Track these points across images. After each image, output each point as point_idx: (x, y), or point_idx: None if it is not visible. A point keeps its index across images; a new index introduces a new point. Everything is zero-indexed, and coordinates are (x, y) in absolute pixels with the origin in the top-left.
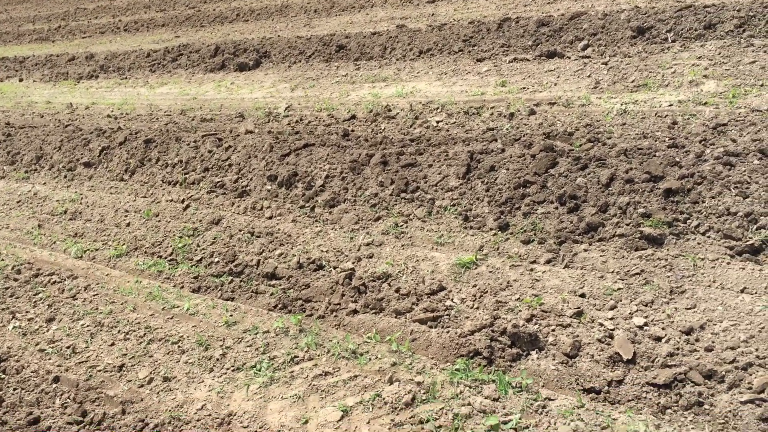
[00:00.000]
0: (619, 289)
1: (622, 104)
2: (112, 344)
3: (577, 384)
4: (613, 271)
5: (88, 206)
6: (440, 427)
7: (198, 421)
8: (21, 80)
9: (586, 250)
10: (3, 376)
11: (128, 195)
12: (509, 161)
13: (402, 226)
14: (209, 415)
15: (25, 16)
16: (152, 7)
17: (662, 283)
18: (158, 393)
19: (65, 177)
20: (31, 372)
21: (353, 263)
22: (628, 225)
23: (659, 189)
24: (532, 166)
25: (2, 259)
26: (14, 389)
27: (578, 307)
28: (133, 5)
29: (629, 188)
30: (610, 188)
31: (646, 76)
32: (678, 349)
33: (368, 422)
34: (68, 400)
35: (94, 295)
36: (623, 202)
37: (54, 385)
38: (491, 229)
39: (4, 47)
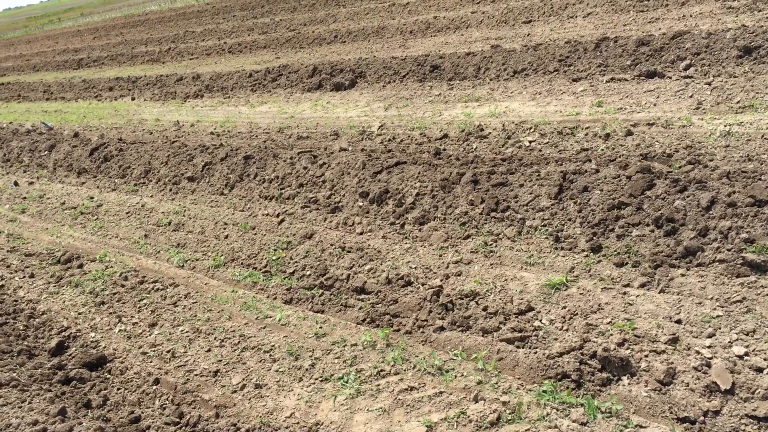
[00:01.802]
0: (718, 316)
1: (725, 126)
2: (209, 350)
3: (671, 412)
4: (712, 298)
5: (190, 218)
6: None
7: (287, 428)
8: (133, 99)
9: (683, 275)
10: (108, 376)
11: (227, 208)
12: (603, 182)
13: (491, 245)
14: (297, 423)
15: (139, 39)
16: (255, 30)
17: (765, 311)
18: (250, 399)
19: (170, 190)
20: (134, 373)
21: (441, 280)
22: (729, 250)
23: (764, 214)
24: (628, 187)
25: (111, 266)
26: (118, 389)
27: (674, 334)
28: (238, 28)
29: (731, 212)
30: (710, 212)
31: (752, 97)
32: None
33: None
34: (167, 401)
35: (193, 303)
36: (725, 227)
37: (154, 387)
38: (583, 250)
39: (119, 68)
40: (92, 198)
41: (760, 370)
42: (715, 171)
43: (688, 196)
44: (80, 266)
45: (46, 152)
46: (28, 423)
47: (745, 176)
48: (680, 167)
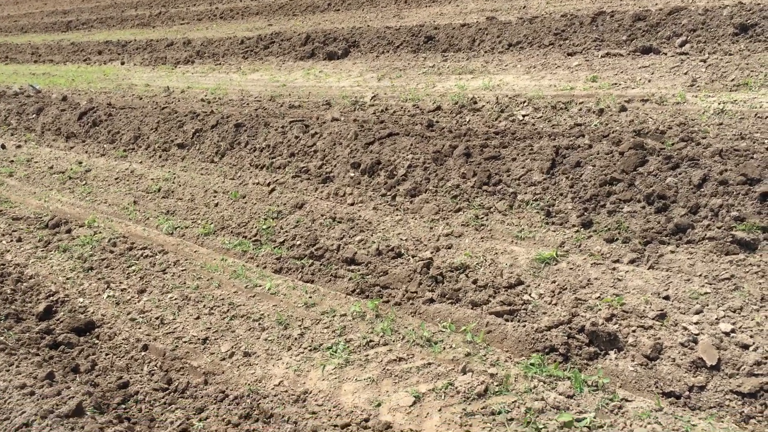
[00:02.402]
0: (706, 293)
1: (719, 103)
2: (198, 318)
3: (656, 387)
4: (700, 275)
5: (180, 185)
6: (512, 419)
7: (275, 396)
8: (123, 63)
9: (672, 252)
10: (97, 341)
11: (217, 176)
12: (596, 158)
13: (482, 218)
14: (286, 391)
15: (129, 2)
16: None
17: (753, 289)
18: (239, 367)
19: (160, 157)
20: (122, 339)
21: (432, 253)
22: (719, 228)
23: (755, 192)
24: (620, 163)
25: (100, 232)
26: (106, 354)
27: (661, 310)
28: None
29: (723, 190)
30: (702, 189)
31: (747, 75)
32: (767, 358)
33: (440, 410)
34: (155, 367)
35: (182, 270)
36: (715, 205)
37: (143, 353)
38: (574, 225)
39: (108, 31)
40: (81, 163)
41: (746, 347)
42: (707, 149)
43: (680, 174)
44: (68, 231)
45: (34, 115)
46: (15, 386)
47: (738, 154)
48: (673, 144)
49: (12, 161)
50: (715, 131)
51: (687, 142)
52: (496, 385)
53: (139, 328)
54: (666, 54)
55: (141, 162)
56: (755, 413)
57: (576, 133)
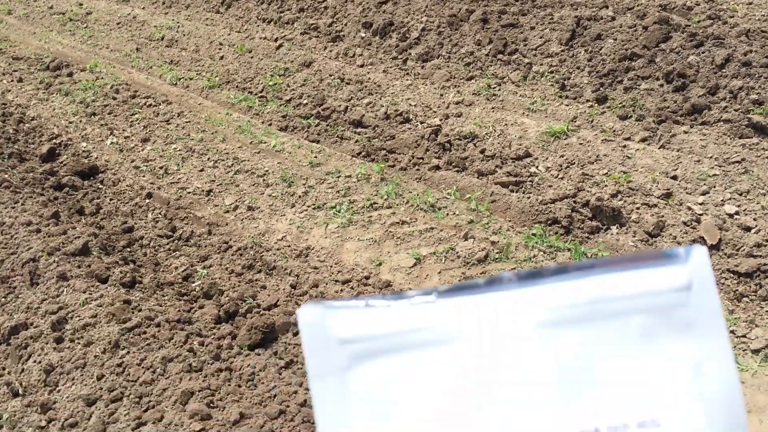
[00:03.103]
0: (714, 175)
1: None
2: (202, 170)
3: None
4: (711, 157)
5: (184, 35)
6: None
7: (278, 250)
8: None
9: (686, 132)
10: (101, 186)
11: (223, 28)
12: (618, 31)
13: (494, 88)
14: (288, 246)
15: None
16: None
17: (762, 174)
18: (242, 220)
19: (163, 3)
20: (127, 186)
21: (441, 120)
22: (736, 111)
23: None
24: (643, 38)
25: (102, 78)
26: (110, 199)
27: (668, 189)
28: None
29: (745, 72)
30: (723, 70)
31: None
32: (767, 241)
33: (439, 272)
34: (159, 215)
35: (186, 122)
36: (735, 86)
37: (147, 201)
38: (588, 100)
39: None
40: (81, 4)
41: (748, 229)
42: (734, 28)
43: (703, 52)
44: (70, 75)
45: None
46: (21, 223)
47: (764, 36)
48: (699, 21)
49: None
50: (743, 10)
51: (714, 20)
52: (497, 253)
53: (143, 177)
54: None
55: (143, 8)
56: (749, 292)
57: (600, 3)
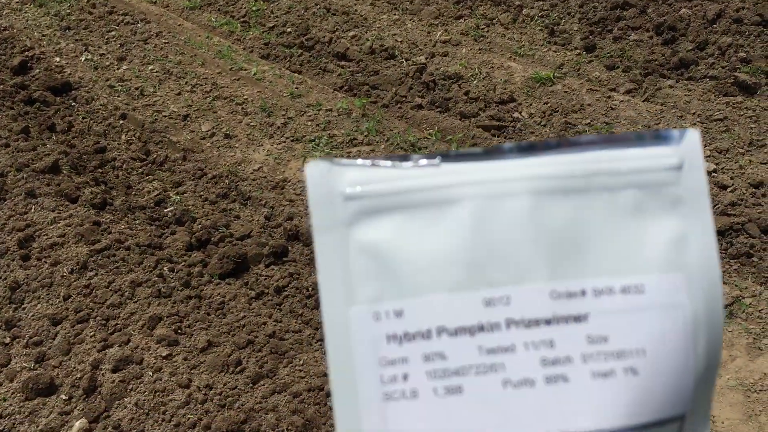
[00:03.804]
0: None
1: None
2: (179, 94)
3: None
4: (694, 113)
5: None
6: None
7: (254, 180)
8: None
9: (671, 87)
10: (74, 104)
11: None
12: None
13: (483, 29)
14: (264, 177)
15: None
16: None
17: (743, 133)
18: (219, 148)
19: None
20: (100, 105)
21: (426, 58)
22: (723, 68)
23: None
24: None
25: None
26: (83, 118)
27: None
28: None
29: (735, 28)
30: (714, 25)
31: None
32: (742, 200)
33: None
34: (133, 138)
35: (165, 43)
36: (725, 43)
37: (121, 122)
38: (576, 48)
39: None
40: None
41: (724, 187)
42: None
43: (695, 6)
44: None
45: None
46: None
47: None
48: None
49: None
50: None
51: None
52: None
53: (118, 97)
54: None
55: None
56: (720, 250)
57: None
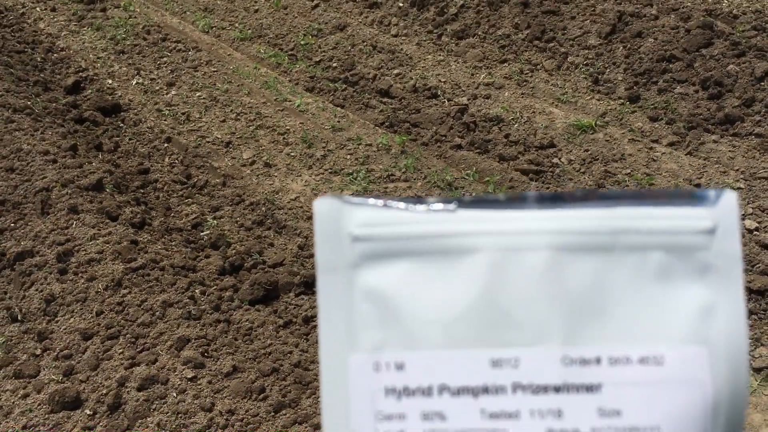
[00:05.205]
0: (739, 188)
1: None
2: (223, 121)
3: None
4: (737, 169)
5: None
6: None
7: (290, 209)
8: None
9: (715, 142)
10: (122, 125)
11: None
12: (660, 31)
13: (527, 74)
14: (301, 207)
15: None
16: None
17: None
18: (258, 175)
19: None
20: (147, 128)
21: (468, 99)
22: None
23: None
24: (684, 41)
25: (135, 17)
26: (130, 139)
27: None
28: None
29: None
30: (762, 83)
31: None
32: None
33: None
34: (176, 161)
35: (213, 71)
36: None
37: (165, 145)
38: (620, 97)
39: None
40: None
41: (765, 246)
42: None
43: (743, 63)
44: (103, 10)
45: None
46: (39, 152)
47: None
48: (743, 31)
49: None
50: None
51: (758, 31)
52: None
53: (165, 120)
54: None
55: None
56: (758, 310)
57: (644, 1)
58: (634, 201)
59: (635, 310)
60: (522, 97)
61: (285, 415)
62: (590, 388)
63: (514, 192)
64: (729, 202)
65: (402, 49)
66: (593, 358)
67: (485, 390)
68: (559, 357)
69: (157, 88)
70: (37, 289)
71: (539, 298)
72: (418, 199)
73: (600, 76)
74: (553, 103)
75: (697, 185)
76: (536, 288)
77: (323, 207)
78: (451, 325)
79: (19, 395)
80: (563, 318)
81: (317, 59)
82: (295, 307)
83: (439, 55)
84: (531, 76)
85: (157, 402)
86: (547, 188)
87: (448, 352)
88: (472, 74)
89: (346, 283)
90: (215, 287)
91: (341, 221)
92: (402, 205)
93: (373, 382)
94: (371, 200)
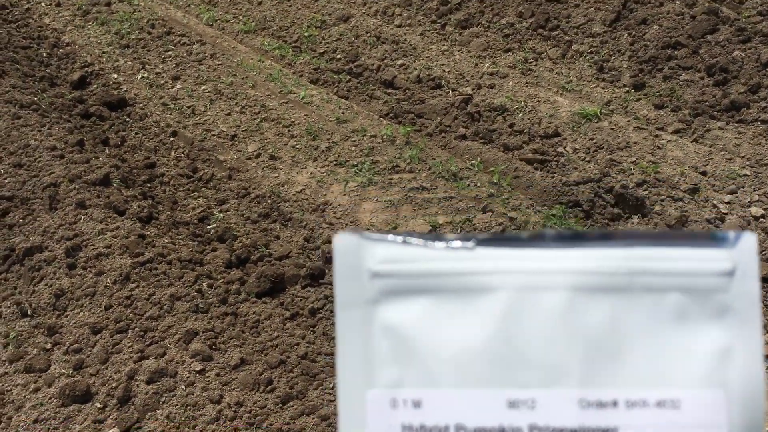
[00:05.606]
0: (745, 175)
1: None
2: (228, 114)
3: None
4: (744, 156)
5: None
6: None
7: (296, 202)
8: None
9: (721, 129)
10: (128, 119)
11: None
12: (664, 17)
13: (531, 63)
14: (306, 199)
15: None
16: None
17: None
18: (263, 168)
19: None
20: (153, 122)
21: (472, 89)
22: None
23: None
24: (689, 27)
25: (139, 11)
26: (136, 133)
27: (695, 184)
28: None
29: None
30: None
31: None
32: None
33: None
34: (182, 155)
35: (218, 64)
36: None
37: (171, 139)
38: (625, 85)
39: None
40: None
41: None
42: None
43: (749, 48)
44: (108, 4)
45: None
46: (46, 147)
47: None
48: (749, 16)
49: None
50: None
51: (764, 16)
52: (513, 229)
53: (170, 114)
54: None
55: None
56: (764, 298)
57: None
58: (652, 241)
59: (652, 352)
60: (526, 86)
61: (292, 406)
62: None
63: (533, 231)
64: (749, 243)
65: (406, 40)
66: (610, 400)
67: (501, 431)
68: (576, 399)
69: (163, 81)
70: (46, 284)
71: (556, 338)
72: (437, 236)
73: (605, 64)
74: (557, 91)
75: (703, 173)
76: (554, 329)
77: (343, 243)
78: (469, 364)
79: (30, 389)
80: (580, 359)
81: (321, 51)
82: (301, 299)
83: (443, 44)
84: (535, 65)
85: (166, 395)
86: (552, 177)
87: (465, 391)
88: (476, 64)
89: (365, 319)
90: (222, 280)
91: (361, 257)
92: (421, 241)
93: (391, 419)
94: (390, 236)
